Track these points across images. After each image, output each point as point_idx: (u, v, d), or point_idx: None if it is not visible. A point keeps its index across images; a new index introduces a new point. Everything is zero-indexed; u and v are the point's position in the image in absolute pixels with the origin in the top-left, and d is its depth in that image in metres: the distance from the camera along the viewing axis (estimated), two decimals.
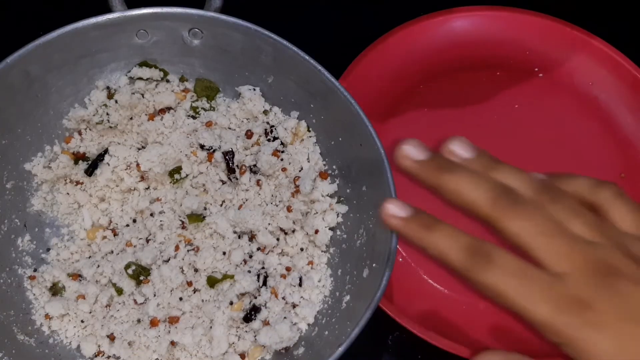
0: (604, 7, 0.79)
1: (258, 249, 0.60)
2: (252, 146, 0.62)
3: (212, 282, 0.58)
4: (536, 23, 0.73)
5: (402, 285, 0.63)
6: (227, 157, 0.61)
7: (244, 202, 0.61)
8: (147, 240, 0.60)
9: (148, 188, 0.62)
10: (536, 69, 0.74)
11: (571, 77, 0.73)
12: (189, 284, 0.58)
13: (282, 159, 0.61)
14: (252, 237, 0.60)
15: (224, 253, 0.59)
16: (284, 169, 0.61)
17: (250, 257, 0.60)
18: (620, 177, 0.70)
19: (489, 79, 0.73)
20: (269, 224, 0.60)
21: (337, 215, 0.60)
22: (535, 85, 0.74)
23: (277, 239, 0.60)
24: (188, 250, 0.59)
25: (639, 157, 0.70)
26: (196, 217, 0.60)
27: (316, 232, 0.60)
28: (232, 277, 0.58)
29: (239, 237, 0.60)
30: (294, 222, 0.60)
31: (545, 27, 0.73)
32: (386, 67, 0.71)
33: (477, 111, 0.72)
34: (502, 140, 0.70)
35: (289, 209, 0.60)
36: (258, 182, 0.61)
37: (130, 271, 0.58)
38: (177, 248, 0.59)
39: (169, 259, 0.58)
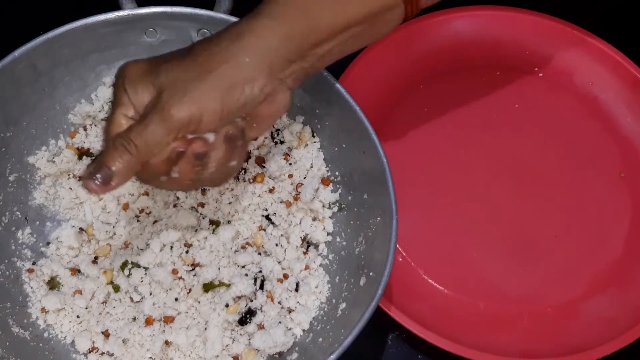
0: (604, 6, 0.79)
1: (257, 252, 0.60)
2: (257, 148, 0.62)
3: (207, 288, 0.57)
4: (536, 23, 0.73)
5: (402, 285, 0.62)
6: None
7: (246, 207, 0.61)
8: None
9: None
10: (536, 69, 0.74)
11: (571, 77, 0.73)
12: (185, 286, 0.58)
13: (291, 164, 0.61)
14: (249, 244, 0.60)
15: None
16: (290, 175, 0.61)
17: None
18: (620, 177, 0.69)
19: (489, 79, 0.73)
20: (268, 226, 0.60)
21: (337, 222, 0.60)
22: (535, 85, 0.73)
23: (276, 244, 0.60)
24: (186, 252, 0.59)
25: (639, 157, 0.70)
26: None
27: (314, 238, 0.60)
28: (227, 285, 0.57)
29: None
30: (292, 227, 0.60)
31: (545, 27, 0.73)
32: (386, 67, 0.71)
33: (477, 111, 0.71)
34: (502, 140, 0.70)
35: (289, 214, 0.60)
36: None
37: (126, 271, 0.58)
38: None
39: (167, 260, 0.58)
